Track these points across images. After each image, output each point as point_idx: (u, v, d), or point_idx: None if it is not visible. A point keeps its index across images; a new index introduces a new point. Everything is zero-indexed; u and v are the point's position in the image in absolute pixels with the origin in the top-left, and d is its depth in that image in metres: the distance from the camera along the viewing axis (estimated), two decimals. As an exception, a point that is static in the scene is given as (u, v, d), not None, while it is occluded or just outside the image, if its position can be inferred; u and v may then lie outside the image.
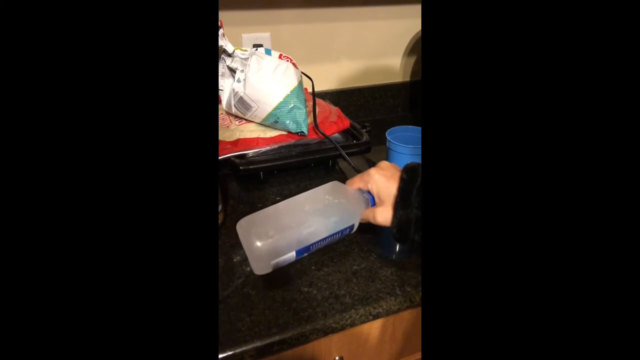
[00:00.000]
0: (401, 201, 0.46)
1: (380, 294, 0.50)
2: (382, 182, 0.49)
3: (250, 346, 0.43)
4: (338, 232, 0.48)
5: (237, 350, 0.43)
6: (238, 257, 0.55)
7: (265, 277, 0.52)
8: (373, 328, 0.56)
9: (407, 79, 1.07)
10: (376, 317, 0.49)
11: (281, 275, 0.52)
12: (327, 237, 0.48)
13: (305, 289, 0.50)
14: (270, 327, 0.45)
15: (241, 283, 0.51)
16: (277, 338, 0.44)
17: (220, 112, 0.77)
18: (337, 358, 0.56)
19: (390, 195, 0.48)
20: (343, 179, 0.74)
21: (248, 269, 0.53)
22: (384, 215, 0.48)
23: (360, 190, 0.51)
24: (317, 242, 0.47)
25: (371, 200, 0.50)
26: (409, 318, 0.59)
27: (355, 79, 1.02)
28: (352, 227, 0.49)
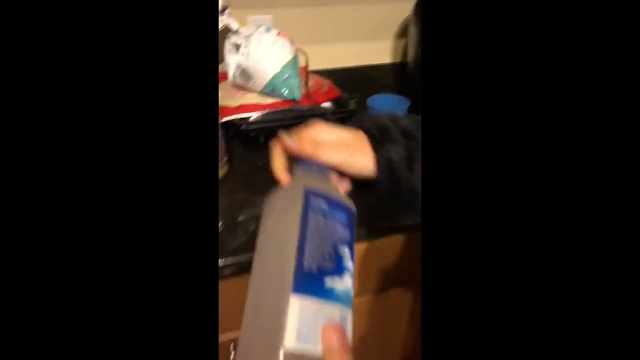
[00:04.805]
0: (380, 135, 0.35)
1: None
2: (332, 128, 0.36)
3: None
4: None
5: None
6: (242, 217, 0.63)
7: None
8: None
9: (398, 60, 1.17)
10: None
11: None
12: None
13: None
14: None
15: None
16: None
17: (227, 85, 0.89)
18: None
19: (357, 137, 0.35)
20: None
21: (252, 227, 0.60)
22: (361, 160, 0.34)
23: (300, 172, 0.34)
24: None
25: (322, 167, 0.34)
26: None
27: (349, 59, 1.12)
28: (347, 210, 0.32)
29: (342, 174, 0.35)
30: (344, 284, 0.28)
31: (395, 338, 0.90)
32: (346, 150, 0.34)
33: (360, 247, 0.67)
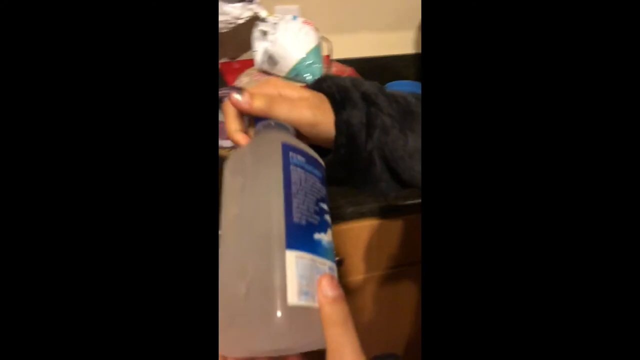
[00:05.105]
0: (340, 98, 0.34)
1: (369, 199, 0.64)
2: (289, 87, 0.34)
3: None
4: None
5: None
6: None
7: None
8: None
9: (420, 50, 1.19)
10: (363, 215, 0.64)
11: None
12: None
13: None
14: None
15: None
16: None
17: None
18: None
19: (317, 97, 0.33)
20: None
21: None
22: (320, 120, 0.33)
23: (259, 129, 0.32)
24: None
25: (281, 124, 0.32)
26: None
27: (372, 49, 1.15)
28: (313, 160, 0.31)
29: (298, 133, 0.32)
30: (328, 237, 0.27)
31: (402, 319, 0.93)
32: (304, 107, 0.32)
33: (369, 223, 0.70)
